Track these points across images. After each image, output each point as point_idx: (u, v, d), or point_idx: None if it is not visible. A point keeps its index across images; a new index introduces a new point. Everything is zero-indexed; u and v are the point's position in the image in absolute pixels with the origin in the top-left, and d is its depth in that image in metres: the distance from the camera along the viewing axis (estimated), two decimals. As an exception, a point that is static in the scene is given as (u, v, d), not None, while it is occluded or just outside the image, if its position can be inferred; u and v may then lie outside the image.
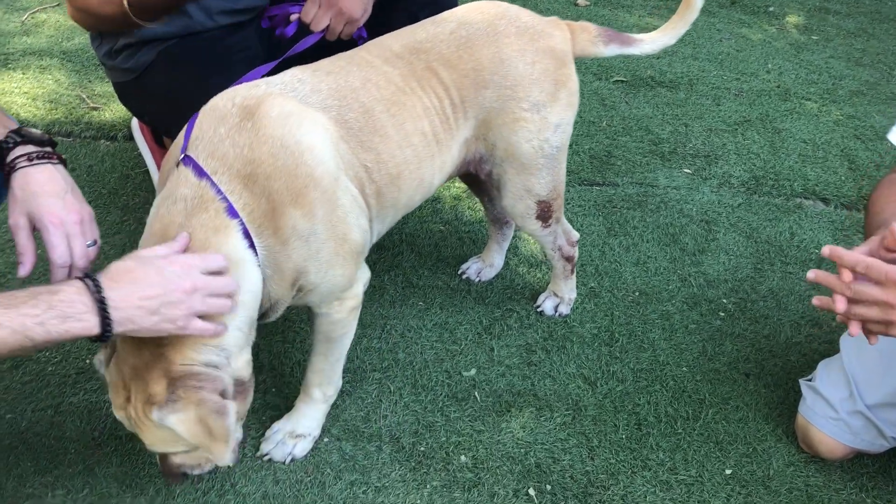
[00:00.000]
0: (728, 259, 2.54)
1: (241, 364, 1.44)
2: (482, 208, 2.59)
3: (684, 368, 2.09)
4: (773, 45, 4.20)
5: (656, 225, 2.66)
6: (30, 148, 1.44)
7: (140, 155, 2.57)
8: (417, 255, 2.38)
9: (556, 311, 2.20)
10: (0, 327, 1.15)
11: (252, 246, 1.42)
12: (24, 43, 3.22)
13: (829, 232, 2.74)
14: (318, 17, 1.94)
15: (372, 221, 1.63)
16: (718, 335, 2.21)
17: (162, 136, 2.40)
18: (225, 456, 1.37)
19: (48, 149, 1.46)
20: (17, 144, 1.43)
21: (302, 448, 1.75)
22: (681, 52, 4.04)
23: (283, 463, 1.73)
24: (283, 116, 1.47)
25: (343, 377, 1.81)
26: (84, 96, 2.89)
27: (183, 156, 1.45)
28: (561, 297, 2.19)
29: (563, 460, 1.81)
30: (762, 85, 3.75)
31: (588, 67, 3.74)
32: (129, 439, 1.73)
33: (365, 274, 1.68)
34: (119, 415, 1.41)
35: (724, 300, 2.36)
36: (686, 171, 3.00)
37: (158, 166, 2.35)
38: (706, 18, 4.37)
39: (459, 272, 2.31)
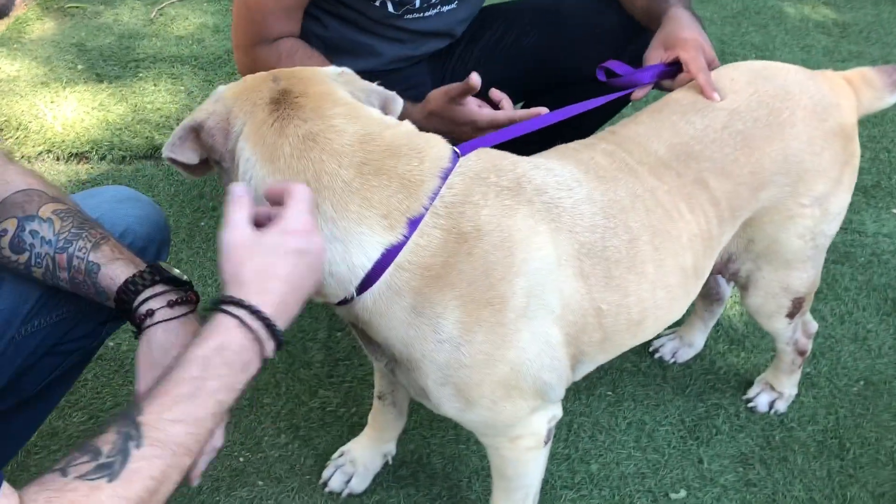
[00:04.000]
0: (963, 336, 2.13)
1: None
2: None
3: (934, 493, 1.73)
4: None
5: (871, 286, 2.26)
6: (167, 288, 1.13)
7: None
8: (597, 322, 2.06)
9: (771, 409, 1.86)
10: (202, 422, 0.93)
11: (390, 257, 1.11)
12: (153, 46, 3.00)
13: None
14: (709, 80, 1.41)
15: (580, 364, 1.32)
16: (968, 445, 1.83)
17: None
18: None
19: (187, 293, 1.15)
20: (154, 283, 1.13)
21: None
22: (868, 53, 3.53)
23: None
24: (529, 232, 1.18)
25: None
26: (219, 114, 2.65)
27: (457, 154, 1.18)
28: (780, 392, 1.85)
29: None
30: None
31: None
32: (293, 570, 1.49)
33: (551, 411, 1.33)
34: None
35: (968, 394, 1.96)
36: (895, 211, 2.57)
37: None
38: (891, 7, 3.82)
39: (651, 350, 1.98)
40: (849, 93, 1.47)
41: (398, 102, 1.23)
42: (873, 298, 2.22)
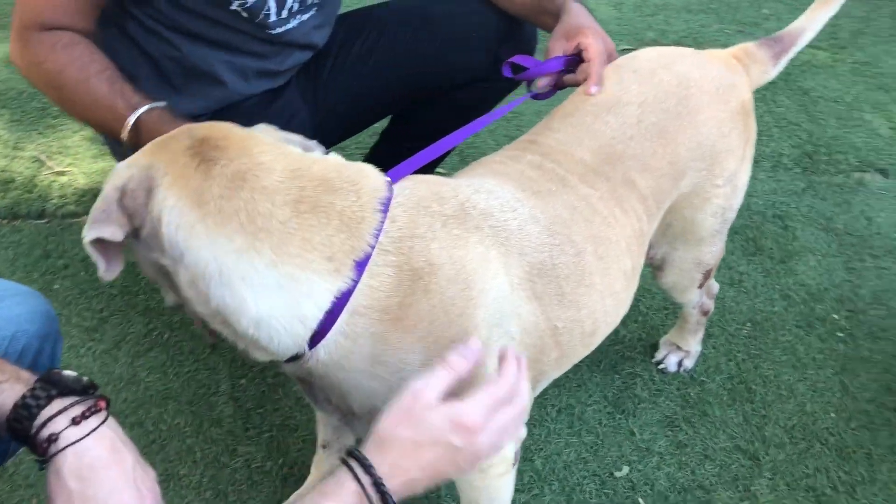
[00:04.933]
0: (817, 261, 2.32)
1: None
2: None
3: (833, 415, 1.87)
4: (762, -14, 3.95)
5: (732, 229, 2.38)
6: (68, 402, 0.94)
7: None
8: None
9: (680, 367, 1.93)
10: None
11: (341, 302, 1.03)
12: (-61, 89, 2.62)
13: (902, 210, 2.55)
14: (603, 75, 1.43)
15: (539, 384, 1.30)
16: (848, 363, 2.00)
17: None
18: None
19: (94, 400, 0.96)
20: (50, 399, 0.94)
21: None
22: (673, 4, 3.74)
23: None
24: (482, 260, 1.12)
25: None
26: (42, 157, 2.35)
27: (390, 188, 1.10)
28: (687, 350, 1.93)
29: (760, 567, 1.57)
30: (766, 35, 3.51)
31: (587, 36, 3.40)
32: None
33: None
34: None
35: (835, 316, 2.14)
36: (733, 154, 2.75)
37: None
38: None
39: (558, 333, 2.00)
40: (741, 70, 1.51)
41: (319, 150, 1.14)
42: (737, 241, 2.37)
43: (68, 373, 0.99)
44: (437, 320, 1.07)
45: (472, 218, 1.13)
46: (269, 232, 0.99)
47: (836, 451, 1.79)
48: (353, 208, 1.03)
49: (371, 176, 1.09)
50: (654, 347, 1.99)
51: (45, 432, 0.91)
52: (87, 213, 2.19)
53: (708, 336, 2.03)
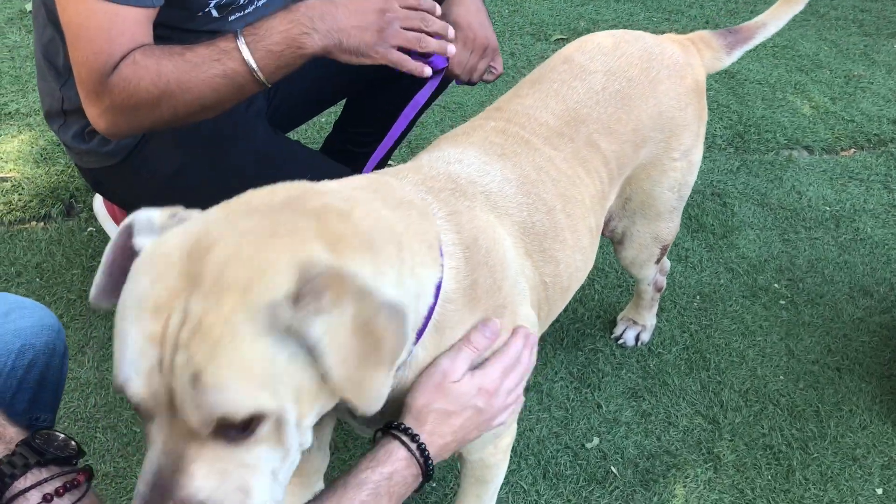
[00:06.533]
0: (756, 235, 2.44)
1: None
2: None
3: (781, 377, 1.98)
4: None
5: (675, 209, 2.50)
6: (44, 475, 0.88)
7: (95, 233, 2.06)
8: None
9: (637, 341, 2.01)
10: None
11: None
12: None
13: (828, 184, 2.70)
14: (470, 64, 1.60)
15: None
16: (792, 328, 2.12)
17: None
18: (378, 390, 0.81)
19: (73, 474, 0.91)
20: (27, 469, 0.88)
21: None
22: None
23: None
24: (493, 225, 1.16)
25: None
26: (-18, 164, 2.28)
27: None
28: (643, 325, 2.01)
29: (727, 523, 1.66)
30: (692, 22, 3.65)
31: (521, 27, 3.47)
32: None
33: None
34: (156, 322, 0.78)
35: (776, 285, 2.26)
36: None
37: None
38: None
39: (521, 314, 2.06)
40: (695, 52, 1.59)
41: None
42: (681, 219, 2.46)
43: (57, 434, 0.93)
44: (491, 291, 1.09)
45: (466, 189, 1.16)
46: (403, 231, 0.94)
47: (788, 411, 1.90)
48: (408, 195, 1.02)
49: (377, 173, 1.10)
50: (613, 323, 2.06)
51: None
52: (34, 218, 2.16)
53: (661, 310, 2.12)
